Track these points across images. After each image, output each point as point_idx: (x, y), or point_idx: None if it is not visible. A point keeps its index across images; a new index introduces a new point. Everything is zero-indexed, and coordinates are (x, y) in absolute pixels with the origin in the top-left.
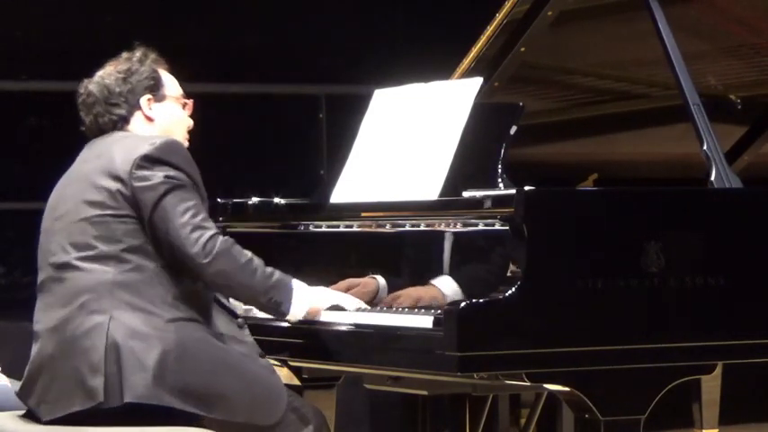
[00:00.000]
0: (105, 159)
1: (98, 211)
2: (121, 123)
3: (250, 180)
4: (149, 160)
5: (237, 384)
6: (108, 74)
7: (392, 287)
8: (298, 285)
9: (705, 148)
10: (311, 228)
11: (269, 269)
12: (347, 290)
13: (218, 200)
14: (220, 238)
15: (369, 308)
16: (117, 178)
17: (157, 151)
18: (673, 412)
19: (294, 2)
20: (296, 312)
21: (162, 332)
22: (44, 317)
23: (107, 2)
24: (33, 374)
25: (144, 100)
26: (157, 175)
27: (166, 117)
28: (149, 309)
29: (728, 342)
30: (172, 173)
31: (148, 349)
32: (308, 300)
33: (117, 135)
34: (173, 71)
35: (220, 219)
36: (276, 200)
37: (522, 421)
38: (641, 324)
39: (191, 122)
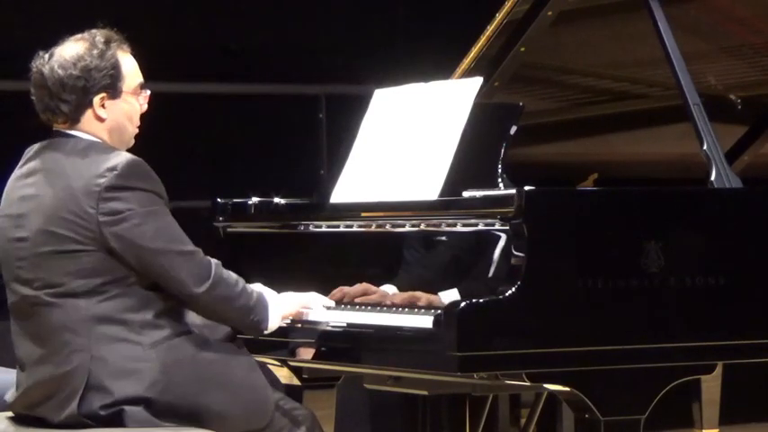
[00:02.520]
0: (62, 187)
1: (63, 246)
2: (71, 121)
3: (250, 180)
4: (112, 190)
5: (226, 397)
6: (65, 63)
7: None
8: (271, 298)
9: (705, 148)
10: (311, 228)
11: (248, 286)
12: (362, 295)
13: (218, 200)
14: (212, 262)
15: (333, 305)
16: (80, 213)
17: (119, 179)
18: (673, 412)
19: (294, 2)
20: (272, 326)
21: (144, 362)
22: (24, 346)
23: (107, 2)
24: (27, 395)
25: (97, 99)
26: (125, 207)
27: (117, 115)
28: (130, 337)
29: (728, 342)
30: (140, 200)
31: (134, 385)
32: (280, 310)
33: (67, 146)
34: (172, 71)
35: (220, 219)
36: (276, 200)
37: (522, 421)
38: (641, 324)
39: (144, 108)
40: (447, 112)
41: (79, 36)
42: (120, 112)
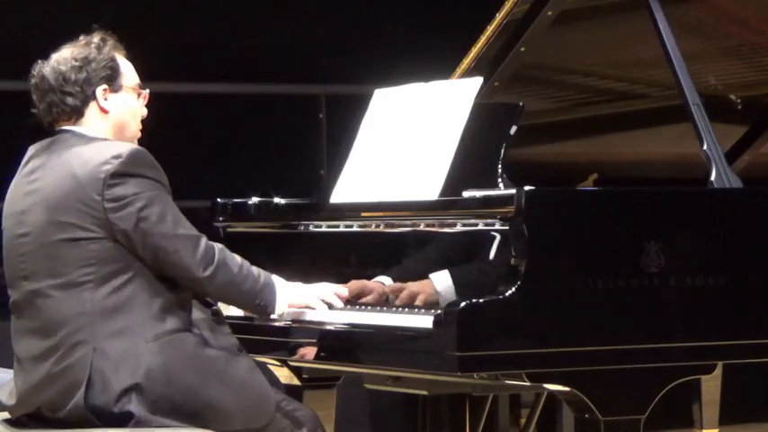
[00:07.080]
0: (67, 177)
1: (69, 234)
2: (76, 116)
3: (250, 180)
4: (118, 176)
5: (227, 394)
6: (64, 59)
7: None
8: (279, 283)
9: (705, 148)
10: (311, 228)
11: (254, 269)
12: (362, 293)
13: (218, 200)
14: (216, 246)
15: (341, 305)
16: (86, 200)
17: (125, 166)
18: (673, 412)
19: (294, 2)
20: (279, 310)
21: (145, 355)
22: (24, 344)
23: (107, 2)
24: (25, 399)
25: (100, 90)
26: (130, 192)
27: (121, 109)
28: (132, 329)
29: (728, 342)
30: (144, 186)
31: (134, 377)
32: (288, 296)
33: (71, 140)
34: (172, 71)
35: (220, 219)
36: (276, 200)
37: (522, 421)
38: (641, 324)
39: (144, 112)
40: (447, 112)
41: (74, 41)
42: (124, 107)
